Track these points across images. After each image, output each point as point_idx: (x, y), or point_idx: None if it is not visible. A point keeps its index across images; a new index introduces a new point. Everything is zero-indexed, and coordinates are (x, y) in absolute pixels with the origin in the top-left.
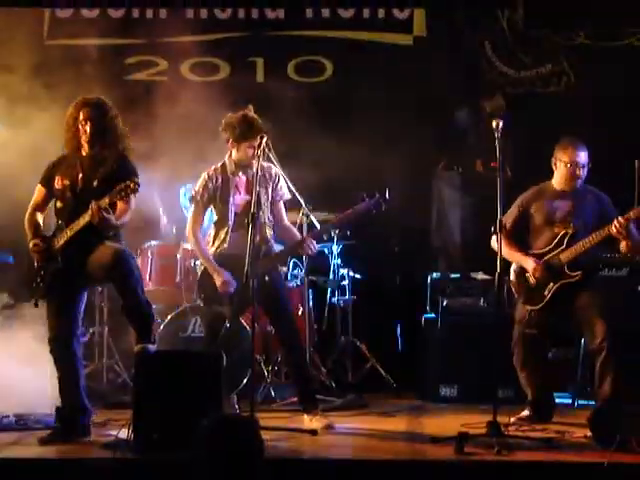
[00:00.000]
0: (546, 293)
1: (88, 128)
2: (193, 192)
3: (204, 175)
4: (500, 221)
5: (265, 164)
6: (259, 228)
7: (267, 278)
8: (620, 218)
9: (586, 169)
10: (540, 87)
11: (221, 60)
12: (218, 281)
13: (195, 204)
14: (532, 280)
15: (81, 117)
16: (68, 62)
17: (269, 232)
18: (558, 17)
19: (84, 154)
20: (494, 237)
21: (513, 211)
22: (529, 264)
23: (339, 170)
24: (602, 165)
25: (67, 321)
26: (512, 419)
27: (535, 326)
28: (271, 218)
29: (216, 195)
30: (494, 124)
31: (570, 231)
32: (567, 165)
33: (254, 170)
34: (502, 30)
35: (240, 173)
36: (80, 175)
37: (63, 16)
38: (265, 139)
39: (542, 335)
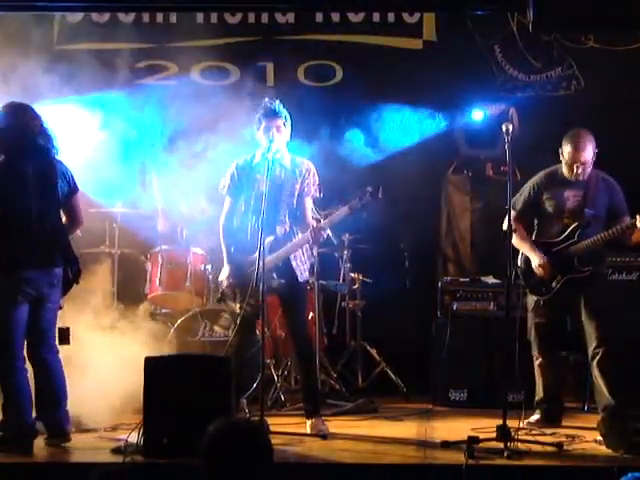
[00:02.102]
0: (554, 285)
1: None
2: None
3: (232, 165)
4: (510, 225)
5: (298, 158)
6: (273, 227)
7: (283, 280)
8: (633, 220)
9: (588, 164)
10: (550, 91)
11: (231, 64)
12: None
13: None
14: (540, 272)
15: None
16: (78, 66)
17: (280, 231)
18: (568, 21)
19: None
20: (505, 221)
21: (525, 195)
22: (536, 259)
23: (350, 172)
24: (611, 167)
25: None
26: (522, 423)
27: (545, 315)
28: (290, 214)
29: (240, 187)
30: (504, 128)
31: (581, 223)
32: (567, 163)
33: (261, 160)
34: (512, 34)
35: (265, 163)
36: None
37: (73, 21)
38: (277, 119)
39: (553, 324)
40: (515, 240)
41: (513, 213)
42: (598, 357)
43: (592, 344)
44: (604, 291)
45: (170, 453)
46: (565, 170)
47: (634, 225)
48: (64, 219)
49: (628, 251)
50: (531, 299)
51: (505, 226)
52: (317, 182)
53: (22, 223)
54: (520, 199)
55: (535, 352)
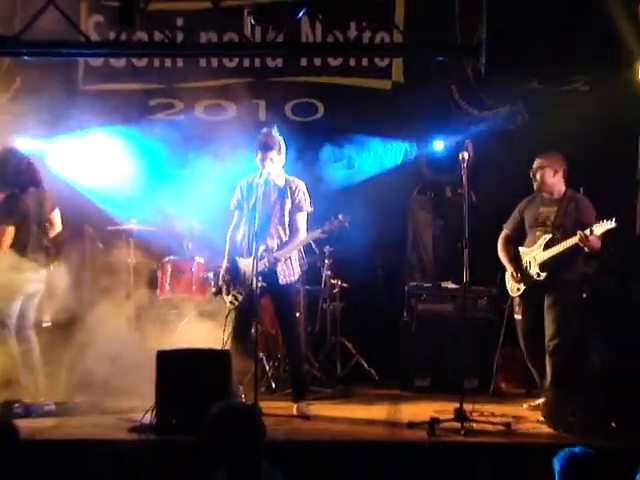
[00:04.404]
0: (521, 287)
1: None
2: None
3: (239, 184)
4: (466, 239)
5: (290, 177)
6: (264, 238)
7: (265, 283)
8: (581, 232)
9: (548, 185)
10: (500, 125)
11: (229, 102)
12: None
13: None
14: (510, 279)
15: None
16: (99, 103)
17: (271, 242)
18: (514, 66)
19: None
20: (499, 245)
21: (514, 217)
22: (509, 269)
23: (330, 194)
24: None
25: None
26: (525, 406)
27: (522, 314)
28: (283, 229)
29: (243, 202)
30: (461, 157)
31: (549, 235)
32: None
33: (258, 182)
34: (467, 76)
35: (264, 183)
36: None
37: (95, 65)
38: (269, 152)
39: (529, 323)
40: (500, 254)
41: (504, 232)
42: (550, 349)
43: (547, 337)
44: (564, 293)
45: (178, 431)
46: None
47: (581, 238)
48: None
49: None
50: (514, 301)
51: (499, 244)
52: (307, 198)
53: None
54: (510, 221)
55: (524, 351)
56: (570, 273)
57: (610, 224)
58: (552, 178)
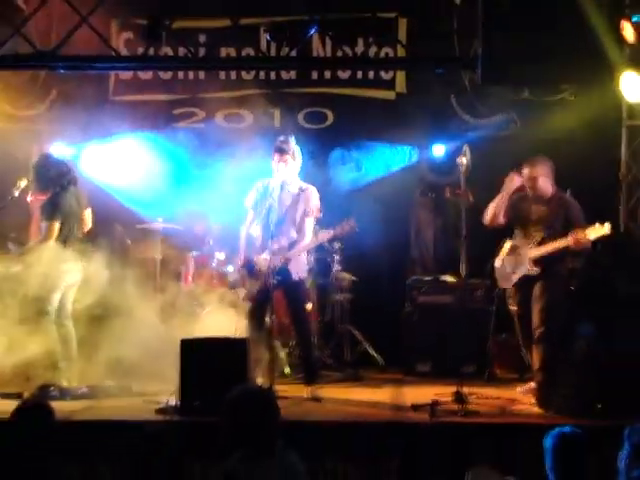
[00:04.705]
0: (513, 278)
1: None
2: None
3: (255, 185)
4: (464, 236)
5: (303, 185)
6: (277, 237)
7: (279, 278)
8: (575, 236)
9: (533, 181)
10: (494, 131)
11: (246, 111)
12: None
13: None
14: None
15: None
16: (128, 112)
17: (284, 242)
18: (508, 77)
19: None
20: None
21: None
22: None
23: (340, 196)
24: None
25: None
26: (519, 389)
27: (517, 305)
28: (294, 230)
29: (258, 203)
30: (459, 160)
31: (540, 233)
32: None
33: (273, 185)
34: (464, 87)
35: (279, 187)
36: None
37: (124, 77)
38: (285, 155)
39: (522, 312)
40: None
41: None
42: (536, 336)
43: (534, 326)
44: (552, 285)
45: (200, 413)
46: None
47: (575, 242)
48: None
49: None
50: (508, 292)
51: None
52: (317, 205)
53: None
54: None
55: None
56: (559, 267)
57: (604, 230)
58: (544, 184)
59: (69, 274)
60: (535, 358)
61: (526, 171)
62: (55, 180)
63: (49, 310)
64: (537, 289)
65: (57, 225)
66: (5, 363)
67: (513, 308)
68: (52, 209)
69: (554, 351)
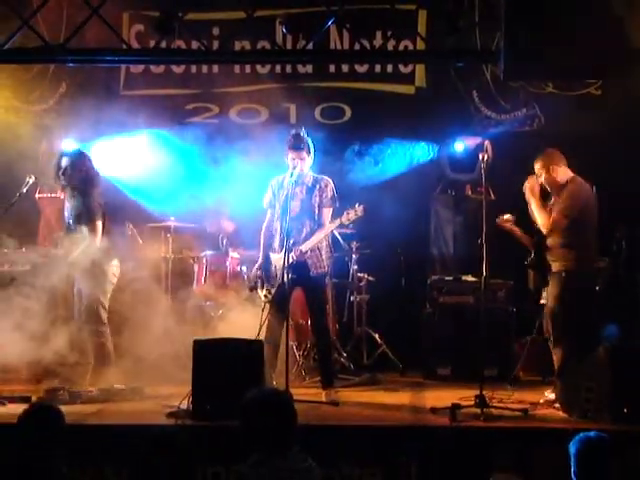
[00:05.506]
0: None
1: None
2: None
3: (270, 183)
4: (485, 235)
5: (319, 176)
6: (294, 233)
7: (295, 275)
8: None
9: (543, 177)
10: (517, 127)
11: (262, 106)
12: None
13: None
14: None
15: None
16: (139, 107)
17: (300, 236)
18: (531, 71)
19: None
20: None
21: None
22: None
23: (357, 192)
24: None
25: None
26: (542, 400)
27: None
28: (311, 223)
29: (274, 200)
30: (480, 157)
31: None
32: None
33: (289, 180)
34: (486, 82)
35: (294, 182)
36: None
37: (135, 71)
38: (299, 151)
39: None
40: None
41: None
42: (549, 340)
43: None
44: (552, 284)
45: (213, 417)
46: None
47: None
48: None
49: None
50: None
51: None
52: (334, 195)
53: None
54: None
55: None
56: (559, 266)
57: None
58: (556, 176)
59: (115, 274)
60: (556, 360)
61: (536, 167)
62: (86, 178)
63: (104, 316)
64: (549, 292)
65: (100, 224)
66: (24, 361)
67: (544, 302)
68: (92, 208)
69: (573, 353)
